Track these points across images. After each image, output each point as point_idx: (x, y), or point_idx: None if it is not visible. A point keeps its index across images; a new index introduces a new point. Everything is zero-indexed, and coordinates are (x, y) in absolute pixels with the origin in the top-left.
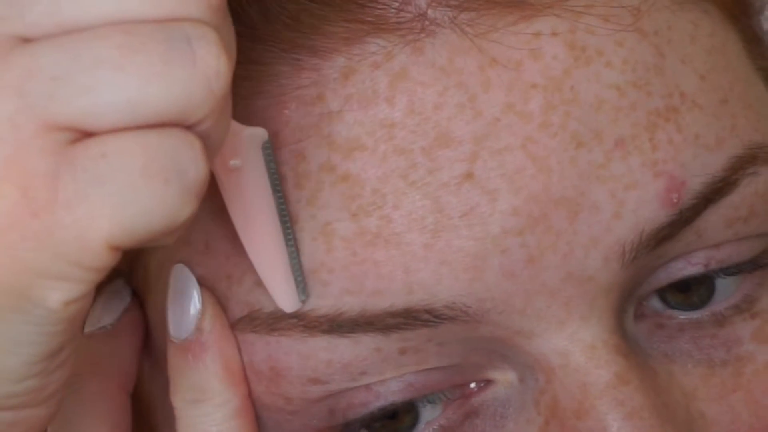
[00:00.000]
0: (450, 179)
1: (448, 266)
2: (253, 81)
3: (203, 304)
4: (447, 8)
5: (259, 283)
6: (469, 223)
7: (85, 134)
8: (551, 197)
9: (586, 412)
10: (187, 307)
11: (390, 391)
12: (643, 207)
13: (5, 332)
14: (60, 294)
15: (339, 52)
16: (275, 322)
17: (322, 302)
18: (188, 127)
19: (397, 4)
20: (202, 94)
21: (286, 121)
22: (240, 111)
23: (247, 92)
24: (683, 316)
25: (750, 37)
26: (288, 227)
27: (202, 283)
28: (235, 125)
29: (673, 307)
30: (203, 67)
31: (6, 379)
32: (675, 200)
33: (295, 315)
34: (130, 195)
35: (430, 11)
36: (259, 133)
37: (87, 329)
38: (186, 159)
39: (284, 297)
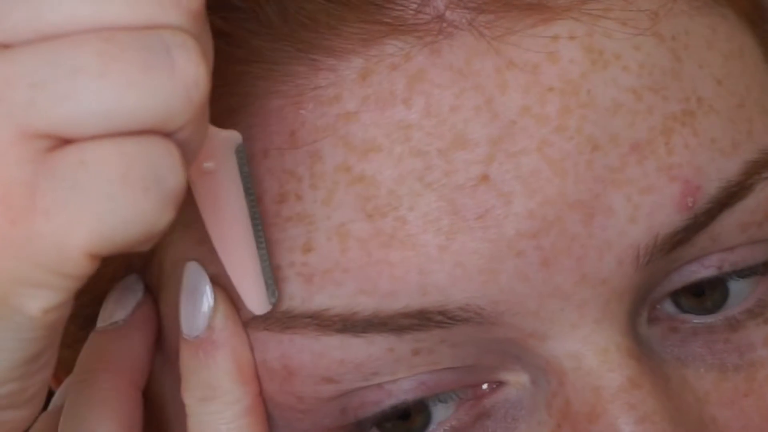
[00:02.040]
0: (466, 181)
1: (462, 268)
2: (270, 81)
3: (216, 301)
4: (465, 10)
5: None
6: (484, 226)
7: (64, 142)
8: (566, 200)
9: (597, 416)
10: (200, 305)
11: (402, 389)
12: (658, 211)
13: None
14: (39, 302)
15: (356, 53)
16: (289, 320)
17: (336, 302)
18: (166, 135)
19: (415, 6)
20: (181, 103)
21: (303, 121)
22: (256, 110)
23: (263, 92)
24: (697, 320)
25: (767, 42)
26: (259, 230)
27: (216, 282)
28: (210, 129)
29: (686, 311)
30: (182, 75)
31: None
32: (690, 204)
33: (309, 314)
34: (109, 203)
35: (447, 13)
36: (233, 137)
37: (99, 325)
38: (165, 167)
39: (254, 299)
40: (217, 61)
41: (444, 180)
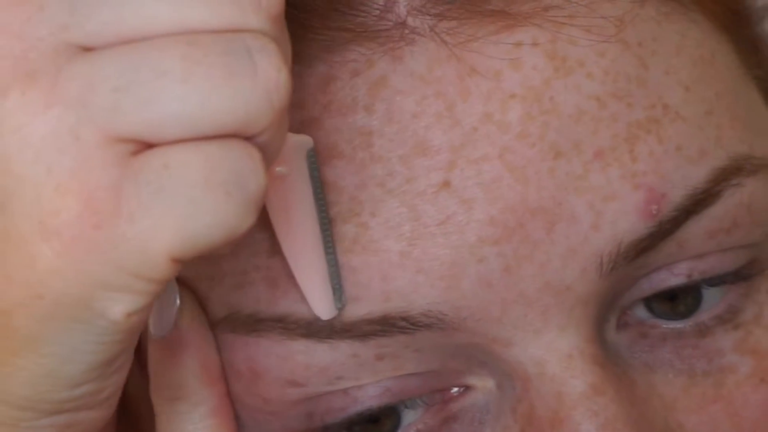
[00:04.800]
0: (427, 188)
1: (424, 274)
2: None
3: (182, 302)
4: (427, 17)
5: (239, 285)
6: (445, 232)
7: (147, 146)
8: (528, 207)
9: (560, 422)
10: (167, 305)
11: (368, 395)
12: (621, 219)
13: (66, 341)
14: (122, 306)
15: (320, 59)
16: (255, 324)
17: (300, 307)
18: (248, 139)
19: (377, 12)
20: (262, 106)
21: None
22: None
23: None
24: (666, 325)
25: (745, 47)
26: (328, 235)
27: (184, 283)
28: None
29: (659, 316)
30: (264, 79)
31: (64, 384)
32: (654, 212)
33: (275, 318)
34: (192, 207)
35: (410, 19)
36: (304, 141)
37: None
38: (247, 171)
39: (321, 304)
40: None
41: (405, 186)
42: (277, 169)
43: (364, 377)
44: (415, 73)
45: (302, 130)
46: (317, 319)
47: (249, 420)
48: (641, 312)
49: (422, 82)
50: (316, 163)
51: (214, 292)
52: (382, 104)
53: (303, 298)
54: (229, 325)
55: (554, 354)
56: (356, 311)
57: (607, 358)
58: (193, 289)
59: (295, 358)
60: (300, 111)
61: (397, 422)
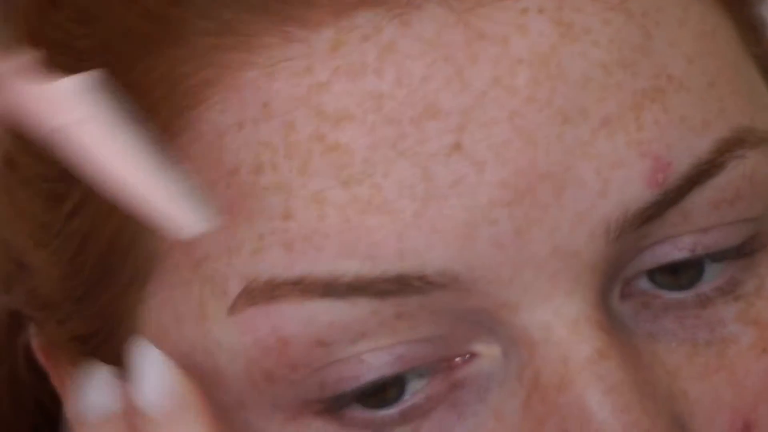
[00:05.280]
0: (438, 149)
1: (438, 234)
2: (243, 52)
3: None
4: None
5: (256, 251)
6: (458, 193)
7: None
8: (537, 171)
9: (566, 386)
10: None
11: (381, 363)
12: (628, 186)
13: None
14: None
15: (327, 25)
16: (273, 289)
17: (318, 267)
18: None
19: None
20: None
21: (276, 91)
22: (230, 82)
23: (237, 64)
24: (669, 295)
25: (744, 25)
26: (156, 156)
27: (205, 262)
28: (55, 83)
29: (661, 287)
30: None
31: None
32: (660, 181)
33: (292, 280)
34: None
35: None
36: (85, 80)
37: None
38: None
39: (179, 220)
40: (191, 34)
41: (417, 148)
42: (63, 119)
43: (384, 336)
44: (423, 37)
45: (311, 95)
46: (335, 278)
47: (257, 397)
48: (644, 283)
49: (431, 47)
50: (110, 91)
51: (232, 267)
52: (391, 68)
53: (319, 258)
54: (248, 297)
55: (561, 319)
56: (372, 270)
57: (612, 325)
58: (212, 272)
59: (319, 318)
60: (308, 76)
61: (402, 390)
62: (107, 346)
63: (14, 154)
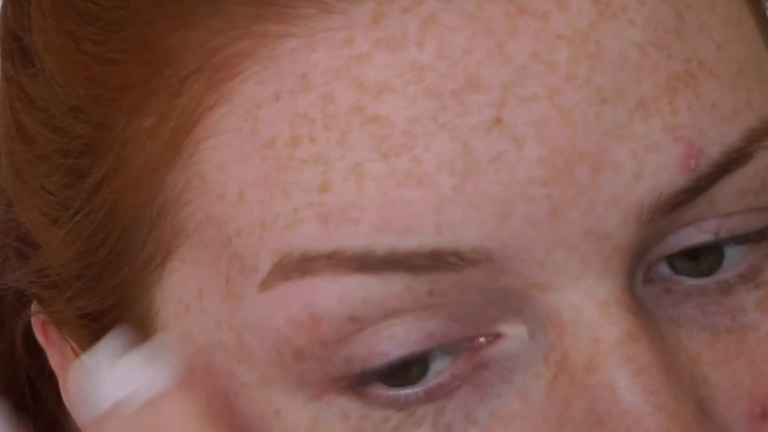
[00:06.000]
0: (479, 123)
1: (476, 209)
2: (281, 23)
3: None
4: None
5: (291, 225)
6: (497, 169)
7: None
8: (575, 151)
9: (595, 367)
10: None
11: (411, 340)
12: (662, 170)
13: None
14: None
15: None
16: (307, 263)
17: (353, 241)
18: None
19: None
20: None
21: (315, 63)
22: (268, 53)
23: (275, 34)
24: (690, 282)
25: (760, 17)
26: None
27: (237, 237)
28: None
29: (681, 273)
30: None
31: None
32: (693, 167)
33: (326, 254)
34: None
35: None
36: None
37: None
38: None
39: None
40: (227, 4)
41: (457, 121)
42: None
43: (415, 313)
44: (465, 10)
45: (350, 66)
46: (370, 252)
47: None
48: (664, 269)
49: (472, 20)
50: None
51: (265, 241)
52: (432, 40)
53: (356, 231)
54: (281, 273)
55: (591, 300)
56: (408, 243)
57: (639, 309)
58: (244, 247)
59: (352, 294)
60: (348, 47)
61: (425, 370)
62: (119, 323)
63: (31, 130)
